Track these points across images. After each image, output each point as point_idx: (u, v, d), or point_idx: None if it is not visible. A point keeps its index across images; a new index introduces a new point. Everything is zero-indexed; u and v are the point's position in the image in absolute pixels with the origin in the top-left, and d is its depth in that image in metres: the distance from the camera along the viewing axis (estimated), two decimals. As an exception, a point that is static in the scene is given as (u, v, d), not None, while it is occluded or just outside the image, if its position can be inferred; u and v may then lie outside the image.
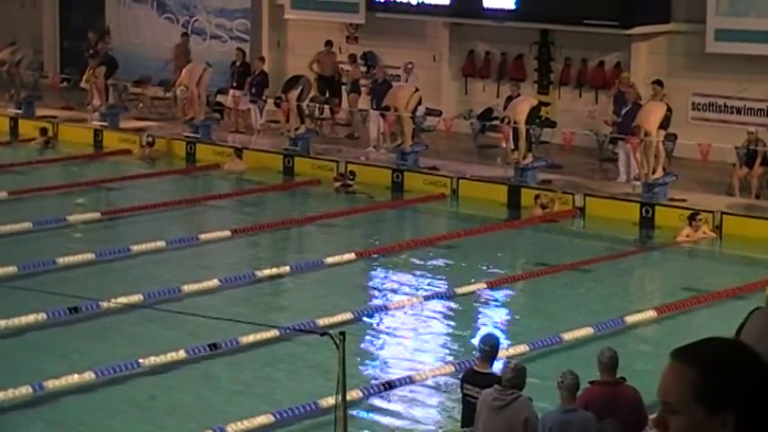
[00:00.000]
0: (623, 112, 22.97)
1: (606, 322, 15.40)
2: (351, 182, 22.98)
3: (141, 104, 29.40)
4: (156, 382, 13.46)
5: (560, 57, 26.17)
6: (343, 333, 9.30)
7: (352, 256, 18.48)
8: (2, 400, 12.60)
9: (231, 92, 27.79)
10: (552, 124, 25.33)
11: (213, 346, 14.14)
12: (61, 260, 17.37)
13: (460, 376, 11.21)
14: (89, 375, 13.20)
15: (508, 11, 25.15)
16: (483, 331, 14.68)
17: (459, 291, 16.97)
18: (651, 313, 16.04)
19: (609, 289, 17.70)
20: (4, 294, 15.19)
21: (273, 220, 20.51)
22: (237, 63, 28.02)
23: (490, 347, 10.53)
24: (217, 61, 28.91)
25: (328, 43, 28.27)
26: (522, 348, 14.36)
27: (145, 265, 17.78)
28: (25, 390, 12.77)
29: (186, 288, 16.37)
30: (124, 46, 31.91)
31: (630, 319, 15.74)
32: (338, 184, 23.03)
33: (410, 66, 27.27)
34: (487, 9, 25.41)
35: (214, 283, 16.72)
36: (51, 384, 12.93)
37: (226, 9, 30.57)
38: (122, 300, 15.27)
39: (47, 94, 29.60)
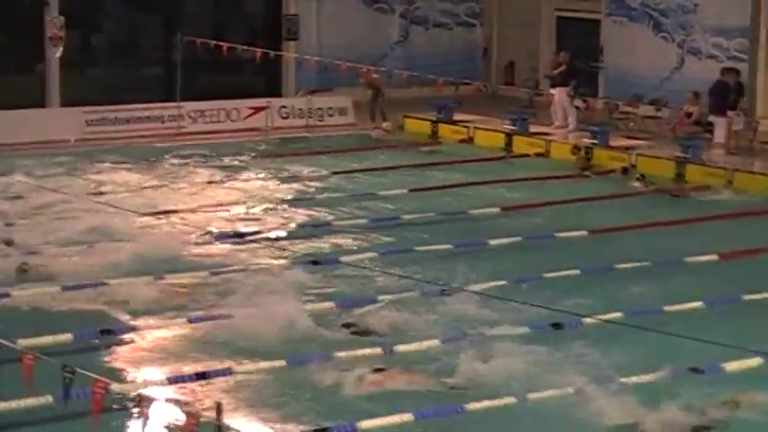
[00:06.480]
0: None
1: None
2: None
3: (632, 123, 29.53)
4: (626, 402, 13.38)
5: None
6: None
7: None
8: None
9: (723, 112, 27.46)
10: None
11: (695, 370, 13.98)
12: (547, 275, 17.78)
13: None
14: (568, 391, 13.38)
15: None
16: None
17: None
18: None
19: None
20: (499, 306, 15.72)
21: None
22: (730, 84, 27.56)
23: None
24: (710, 81, 28.53)
25: None
26: None
27: (625, 282, 17.82)
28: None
29: (667, 308, 16.31)
30: (618, 64, 32.16)
31: None
32: None
33: None
34: None
35: (698, 304, 16.56)
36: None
37: (723, 28, 30.09)
38: (601, 317, 15.38)
39: (541, 112, 30.32)
